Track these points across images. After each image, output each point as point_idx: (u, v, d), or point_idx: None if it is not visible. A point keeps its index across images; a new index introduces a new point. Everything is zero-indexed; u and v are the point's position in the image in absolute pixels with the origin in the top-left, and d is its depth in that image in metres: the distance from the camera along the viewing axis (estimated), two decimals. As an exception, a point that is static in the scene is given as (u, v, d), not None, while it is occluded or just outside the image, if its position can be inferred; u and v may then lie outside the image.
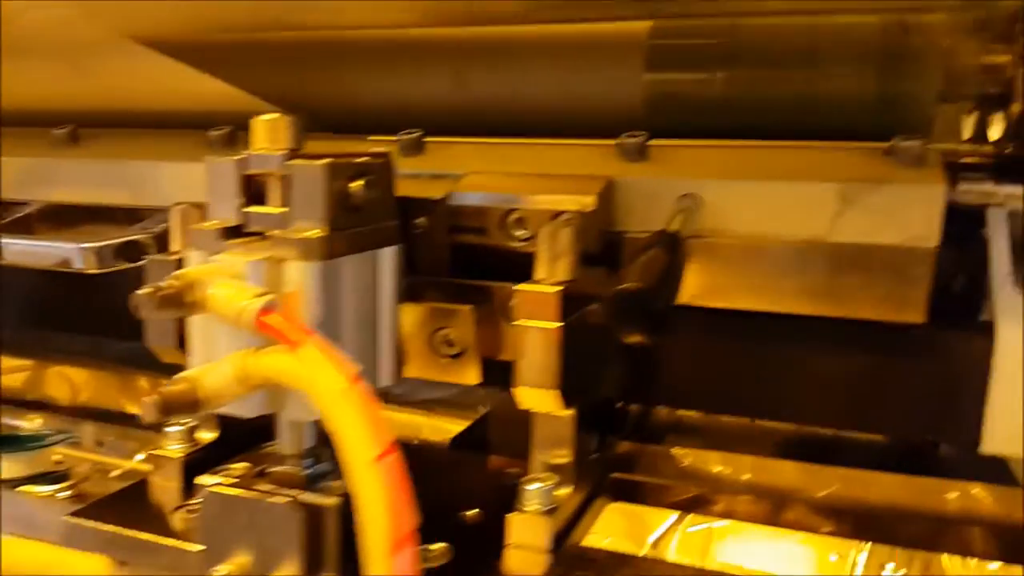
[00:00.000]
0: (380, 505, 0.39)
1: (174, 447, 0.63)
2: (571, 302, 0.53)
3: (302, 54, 0.75)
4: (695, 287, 0.63)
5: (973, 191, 0.70)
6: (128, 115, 0.80)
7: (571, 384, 0.54)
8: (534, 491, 0.54)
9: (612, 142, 0.67)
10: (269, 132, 0.50)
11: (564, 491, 0.57)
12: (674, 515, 0.69)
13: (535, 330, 0.52)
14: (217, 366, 0.47)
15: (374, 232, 0.53)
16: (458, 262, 0.63)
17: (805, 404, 0.67)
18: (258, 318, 0.44)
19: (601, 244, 0.61)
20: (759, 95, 0.67)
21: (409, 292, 0.61)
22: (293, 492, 0.51)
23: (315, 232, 0.48)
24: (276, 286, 0.48)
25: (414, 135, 0.71)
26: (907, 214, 0.55)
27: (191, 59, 0.72)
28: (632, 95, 0.71)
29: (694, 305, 0.63)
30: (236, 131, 0.78)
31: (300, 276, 0.48)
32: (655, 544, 0.68)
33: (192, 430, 0.63)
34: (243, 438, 0.59)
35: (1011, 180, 0.68)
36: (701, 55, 0.68)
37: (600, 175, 0.63)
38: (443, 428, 0.79)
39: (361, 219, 0.51)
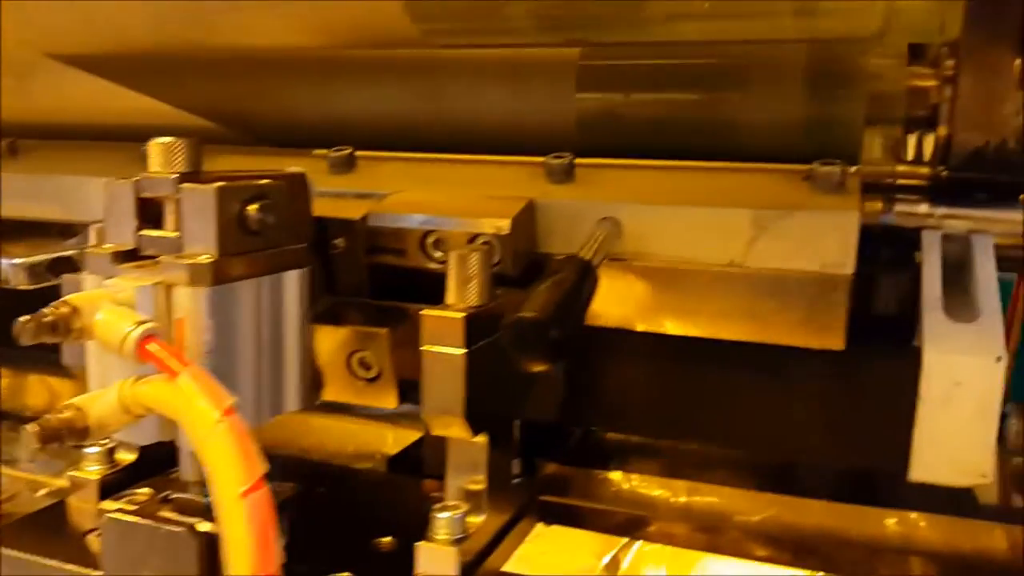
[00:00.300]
0: (244, 541, 0.38)
1: (92, 468, 0.62)
2: (482, 327, 0.53)
3: (234, 69, 0.74)
4: (618, 310, 0.62)
5: (909, 213, 0.69)
6: (64, 130, 0.80)
7: (482, 410, 0.53)
8: (443, 520, 0.54)
9: (543, 159, 0.66)
10: (164, 155, 0.49)
11: (477, 518, 0.56)
12: (606, 539, 0.68)
13: (440, 356, 0.52)
14: (105, 393, 0.46)
15: (276, 255, 0.52)
16: (379, 283, 0.63)
17: (734, 429, 0.66)
18: (139, 347, 0.44)
19: (521, 266, 0.60)
20: (688, 116, 0.66)
21: (326, 314, 0.61)
22: (191, 520, 0.50)
23: (205, 257, 0.47)
24: (166, 312, 0.47)
25: (344, 152, 0.70)
26: (821, 241, 0.55)
27: (115, 76, 0.72)
28: (565, 115, 0.70)
29: (621, 328, 0.62)
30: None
31: (190, 302, 0.47)
32: (583, 568, 0.67)
33: (111, 451, 0.62)
34: (162, 460, 0.58)
35: (946, 202, 0.68)
36: (631, 76, 0.68)
37: (523, 196, 0.62)
38: (409, 439, 0.78)
39: (260, 242, 0.50)
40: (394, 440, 0.79)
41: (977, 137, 0.60)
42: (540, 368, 0.48)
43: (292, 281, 0.53)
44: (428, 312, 0.52)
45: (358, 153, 0.72)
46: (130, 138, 0.79)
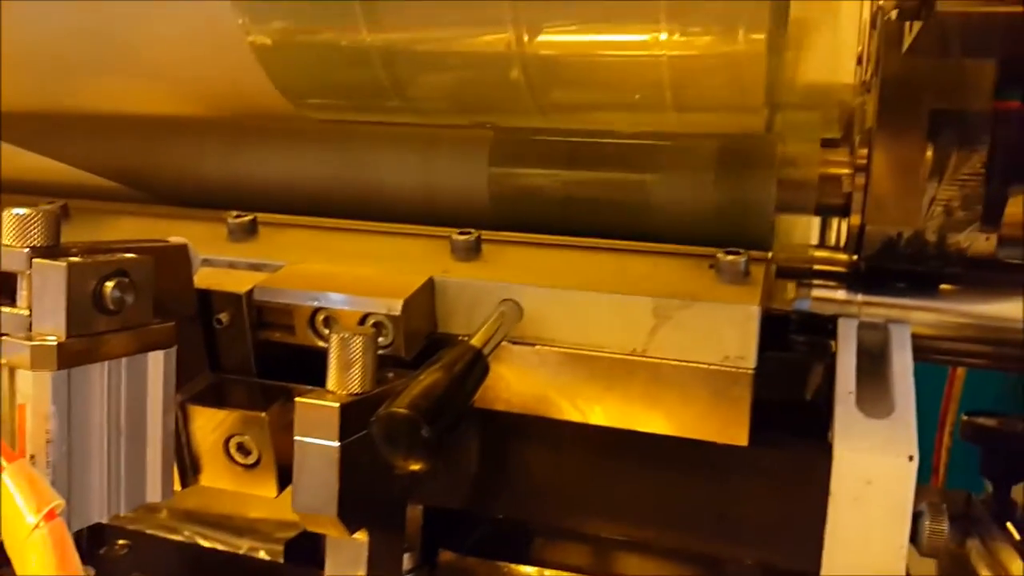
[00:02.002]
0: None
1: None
2: (361, 416, 0.49)
3: (134, 130, 0.71)
4: (520, 395, 0.59)
5: (827, 299, 0.68)
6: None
7: (361, 505, 0.50)
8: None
9: (452, 232, 0.64)
10: (18, 227, 0.46)
11: (357, 618, 0.52)
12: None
13: (313, 447, 0.48)
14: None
15: (138, 335, 0.48)
16: (268, 360, 0.59)
17: (640, 521, 0.63)
18: (-37, 438, 0.40)
19: (416, 348, 0.57)
20: (600, 196, 0.65)
21: (206, 393, 0.57)
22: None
23: (52, 339, 0.44)
24: (10, 397, 0.44)
25: (245, 219, 0.67)
26: (722, 333, 0.52)
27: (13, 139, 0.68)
28: (478, 187, 0.68)
29: (524, 413, 0.59)
30: (67, 206, 0.74)
31: (32, 387, 0.43)
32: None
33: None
34: None
35: (864, 289, 0.66)
36: (544, 152, 0.66)
37: (423, 273, 0.59)
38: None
39: (118, 322, 0.47)
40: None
41: (889, 227, 0.59)
42: (414, 467, 0.44)
43: (156, 362, 0.50)
44: (302, 400, 0.48)
45: (262, 217, 0.69)
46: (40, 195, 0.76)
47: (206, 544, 0.76)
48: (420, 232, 0.68)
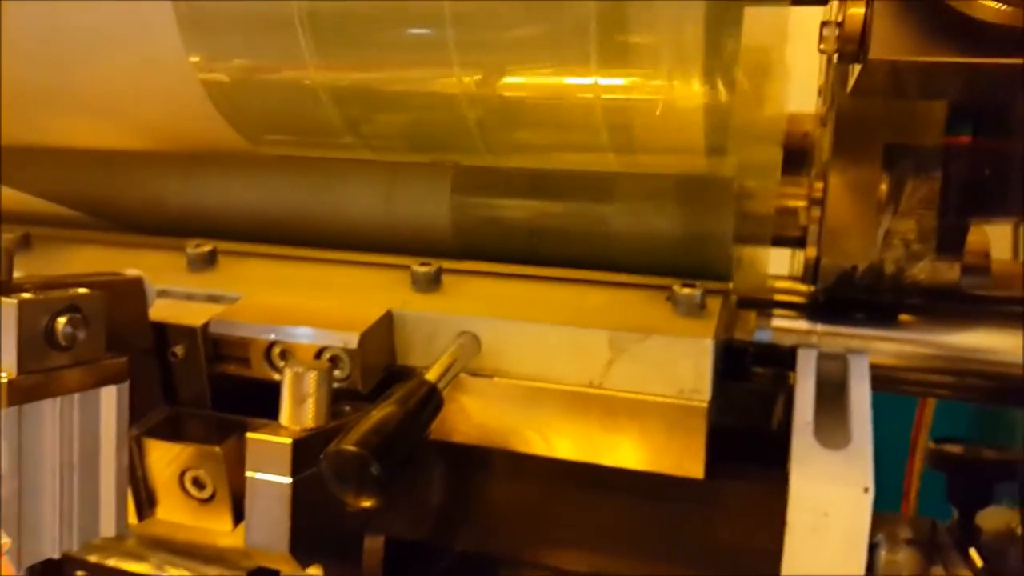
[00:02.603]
0: None
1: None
2: (313, 452, 0.49)
3: (96, 161, 0.71)
4: (478, 427, 0.59)
5: (788, 329, 0.68)
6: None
7: (314, 540, 0.50)
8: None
9: (413, 261, 0.64)
10: (-33, 263, 0.45)
11: (312, 655, 0.52)
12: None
13: (264, 484, 0.48)
14: None
15: (90, 371, 0.48)
16: (224, 393, 0.59)
17: (599, 552, 0.63)
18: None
19: (374, 381, 0.57)
20: (561, 225, 0.65)
21: (161, 427, 0.57)
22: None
23: (3, 375, 0.43)
24: (-44, 433, 0.43)
25: (204, 249, 0.67)
26: (677, 367, 0.52)
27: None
28: (441, 216, 0.68)
29: (480, 445, 0.59)
30: (29, 236, 0.74)
31: (-21, 424, 0.43)
32: None
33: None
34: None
35: (824, 319, 0.67)
36: (505, 183, 0.66)
37: (382, 305, 0.59)
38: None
39: (70, 357, 0.47)
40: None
41: (844, 259, 0.59)
42: (364, 504, 0.44)
43: (109, 397, 0.49)
44: (253, 436, 0.48)
45: (222, 246, 0.69)
46: None
47: (173, 572, 0.75)
48: (381, 262, 0.68)
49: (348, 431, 0.45)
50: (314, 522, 0.49)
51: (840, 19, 0.39)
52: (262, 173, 0.72)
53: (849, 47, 0.38)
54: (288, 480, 0.47)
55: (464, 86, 0.42)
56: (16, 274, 0.48)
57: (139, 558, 0.76)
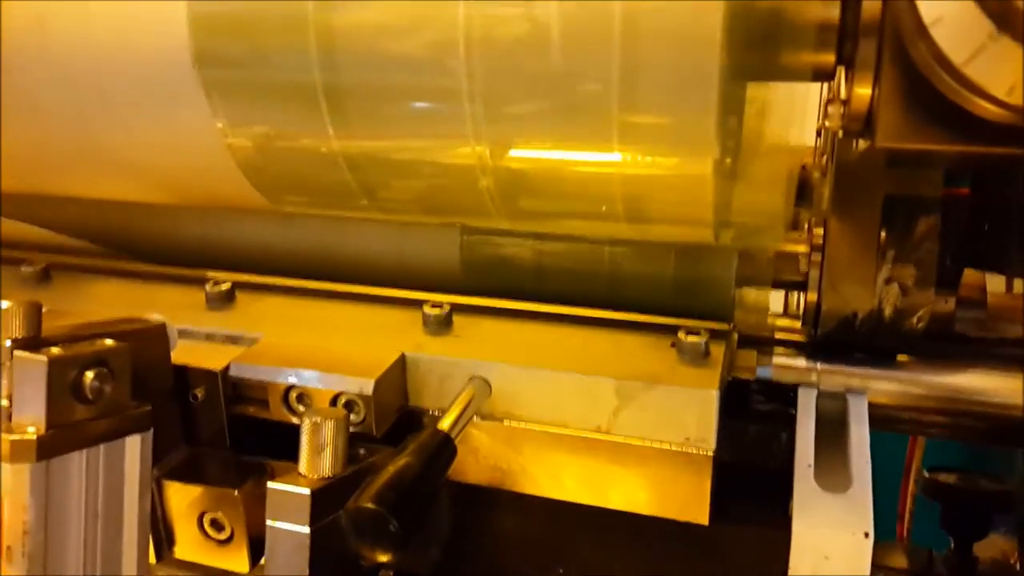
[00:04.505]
0: None
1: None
2: (332, 501, 0.51)
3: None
4: (488, 469, 0.61)
5: (788, 367, 0.69)
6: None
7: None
8: None
9: (429, 296, 0.66)
10: (-1, 319, 0.47)
11: None
12: None
13: (284, 533, 0.50)
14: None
15: (115, 422, 0.49)
16: (243, 434, 0.61)
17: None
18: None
19: (387, 425, 0.59)
20: (567, 265, 0.67)
21: (180, 468, 0.58)
22: None
23: (32, 431, 0.45)
24: (-10, 488, 0.45)
25: (222, 288, 0.69)
26: (682, 415, 0.54)
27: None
28: (450, 254, 0.70)
29: (491, 487, 0.61)
30: (49, 268, 0.75)
31: (11, 479, 0.45)
32: None
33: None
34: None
35: (824, 358, 0.68)
36: (513, 224, 0.68)
37: (395, 348, 0.61)
38: None
39: (96, 410, 0.48)
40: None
41: (844, 306, 0.61)
42: (381, 558, 0.46)
43: (133, 446, 0.51)
44: (274, 485, 0.50)
45: (241, 279, 0.71)
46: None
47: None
48: (394, 296, 0.70)
49: (366, 486, 0.47)
50: (331, 568, 0.50)
51: (846, 98, 0.41)
52: (276, 213, 0.74)
53: (854, 125, 0.40)
54: (307, 530, 0.49)
55: (480, 156, 0.43)
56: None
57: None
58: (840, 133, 0.44)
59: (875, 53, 0.37)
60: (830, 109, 0.42)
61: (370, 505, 0.44)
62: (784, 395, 0.68)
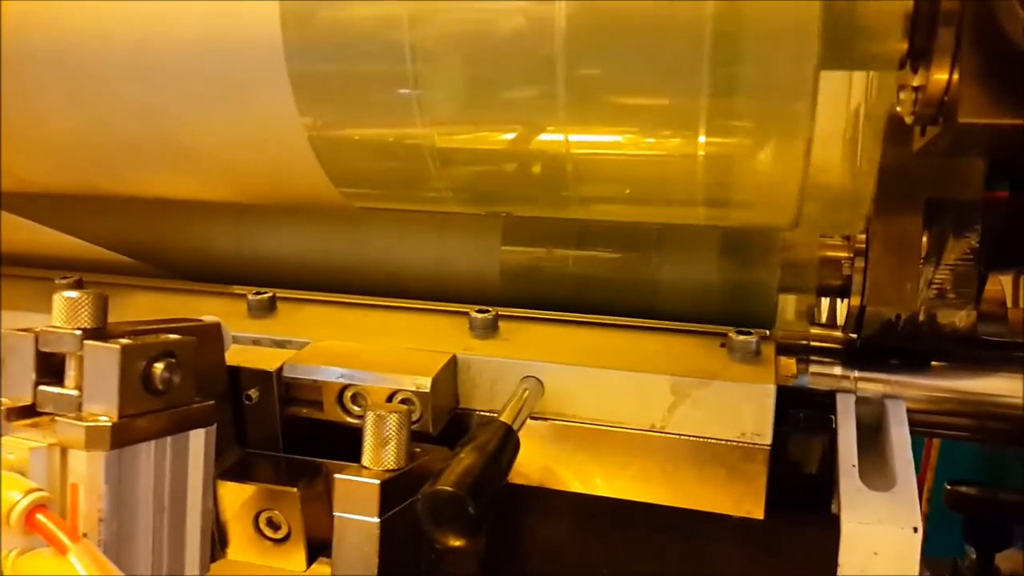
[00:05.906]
0: None
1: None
2: (398, 492, 0.51)
3: (147, 207, 0.73)
4: (540, 469, 0.61)
5: (824, 375, 0.71)
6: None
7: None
8: None
9: (469, 308, 0.66)
10: (68, 310, 0.47)
11: None
12: None
13: (353, 523, 0.49)
14: (-13, 564, 0.43)
15: (181, 415, 0.49)
16: (294, 435, 0.61)
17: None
18: (27, 518, 0.41)
19: (442, 424, 0.59)
20: (608, 275, 0.68)
21: (235, 468, 0.58)
22: None
23: (105, 419, 0.45)
24: (61, 476, 0.45)
25: (264, 296, 0.69)
26: (739, 411, 0.55)
27: (29, 213, 0.70)
28: (490, 265, 0.71)
29: (543, 487, 0.61)
30: (82, 280, 0.75)
31: (86, 467, 0.44)
32: None
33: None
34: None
35: (859, 365, 0.69)
36: (553, 233, 0.69)
37: (445, 351, 0.61)
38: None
39: (165, 401, 0.48)
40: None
41: (887, 309, 0.62)
42: (456, 543, 0.46)
43: (198, 440, 0.51)
44: (341, 477, 0.50)
45: (280, 293, 0.71)
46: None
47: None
48: (436, 308, 0.70)
49: (440, 473, 0.47)
50: (396, 561, 0.50)
51: (921, 83, 0.42)
52: (313, 223, 0.74)
53: (928, 110, 0.42)
54: (377, 520, 0.49)
55: (567, 143, 0.44)
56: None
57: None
58: (910, 119, 0.45)
59: (953, 38, 0.38)
60: (902, 95, 0.44)
61: (449, 488, 0.44)
62: (821, 402, 0.69)
